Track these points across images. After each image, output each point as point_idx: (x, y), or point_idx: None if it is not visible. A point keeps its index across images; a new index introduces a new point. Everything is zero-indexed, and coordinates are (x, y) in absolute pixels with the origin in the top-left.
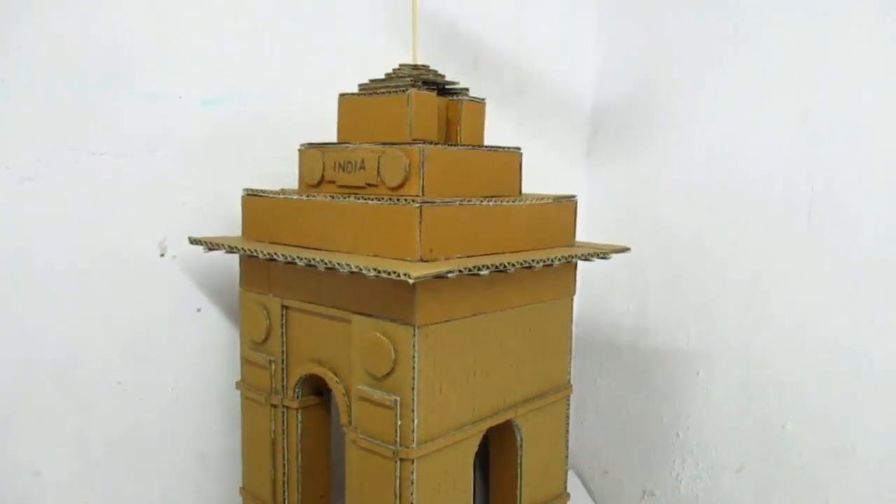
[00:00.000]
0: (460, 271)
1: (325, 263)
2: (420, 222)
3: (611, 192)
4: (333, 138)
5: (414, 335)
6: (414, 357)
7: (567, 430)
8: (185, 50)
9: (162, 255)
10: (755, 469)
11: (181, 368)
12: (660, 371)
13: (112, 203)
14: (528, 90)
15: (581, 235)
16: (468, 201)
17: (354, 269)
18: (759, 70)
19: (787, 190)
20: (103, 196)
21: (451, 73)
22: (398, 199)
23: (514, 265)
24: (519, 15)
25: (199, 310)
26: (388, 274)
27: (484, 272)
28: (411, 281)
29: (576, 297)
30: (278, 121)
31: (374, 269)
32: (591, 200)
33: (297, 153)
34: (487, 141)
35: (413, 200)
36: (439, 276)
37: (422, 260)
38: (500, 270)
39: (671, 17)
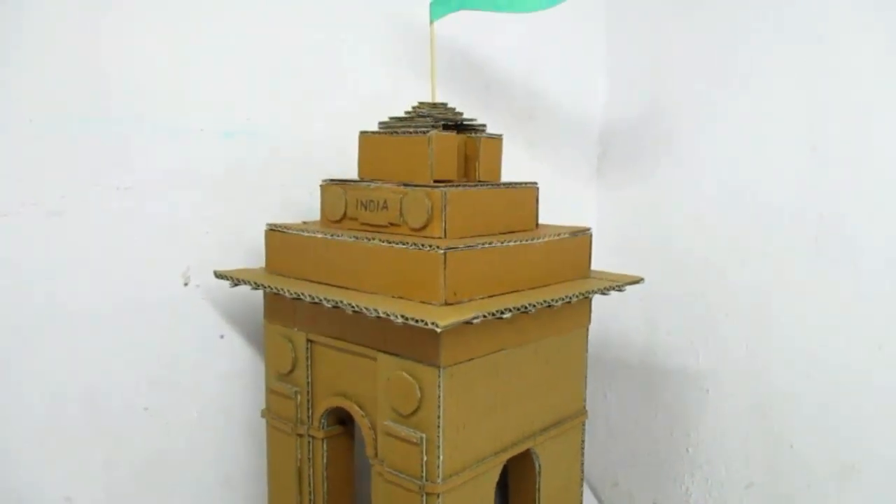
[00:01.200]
0: (485, 316)
1: (352, 307)
2: (444, 268)
3: (620, 211)
4: (351, 168)
5: (439, 376)
6: (439, 396)
7: (582, 453)
8: (205, 84)
9: (185, 285)
10: (763, 486)
11: (205, 394)
12: (669, 387)
13: (137, 235)
14: (538, 114)
15: (595, 251)
16: (489, 244)
17: (382, 315)
18: (769, 100)
19: (795, 215)
20: (128, 229)
21: (464, 98)
22: (422, 245)
23: (534, 306)
24: (529, 42)
25: (221, 336)
26: (416, 322)
27: (507, 315)
28: (439, 330)
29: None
30: (298, 151)
31: (402, 316)
32: (600, 220)
33: (316, 181)
34: None
35: (437, 247)
36: (466, 323)
37: (446, 303)
38: (522, 311)
39: (679, 46)
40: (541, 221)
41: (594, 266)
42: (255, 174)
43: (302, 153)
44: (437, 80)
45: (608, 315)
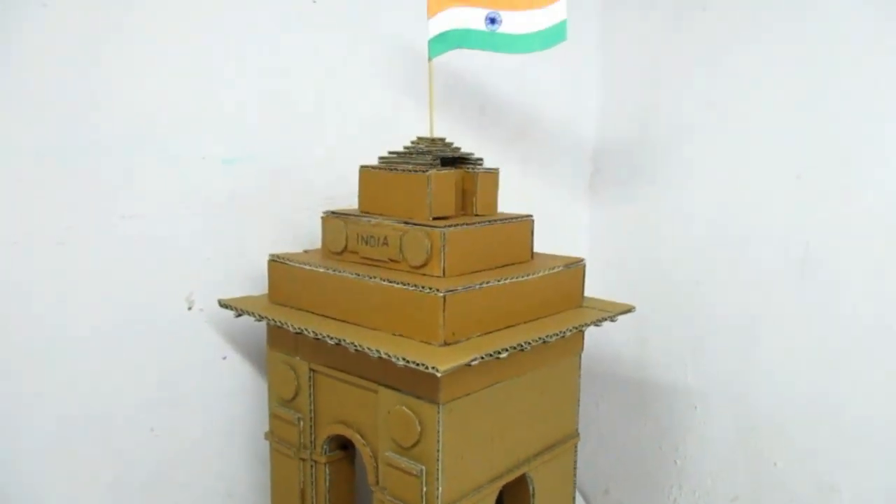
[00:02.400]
0: (482, 357)
1: (355, 346)
2: (444, 310)
3: (613, 229)
4: (350, 192)
5: (439, 412)
6: (438, 431)
7: (575, 473)
8: (206, 112)
9: (189, 309)
10: (748, 501)
11: (209, 413)
12: (659, 402)
13: (141, 262)
14: (532, 133)
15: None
16: (487, 283)
17: (384, 356)
18: (756, 128)
19: (781, 242)
20: (133, 255)
21: (460, 119)
22: (422, 287)
23: (530, 343)
24: (524, 64)
25: (224, 358)
26: (417, 365)
27: (504, 355)
28: (439, 374)
29: None
30: (298, 177)
31: (403, 359)
32: (593, 237)
33: (316, 206)
34: None
35: (436, 289)
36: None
37: (445, 343)
38: (519, 349)
39: (670, 72)
40: (536, 240)
41: (589, 281)
42: (257, 200)
43: (302, 178)
44: (435, 100)
45: (601, 330)
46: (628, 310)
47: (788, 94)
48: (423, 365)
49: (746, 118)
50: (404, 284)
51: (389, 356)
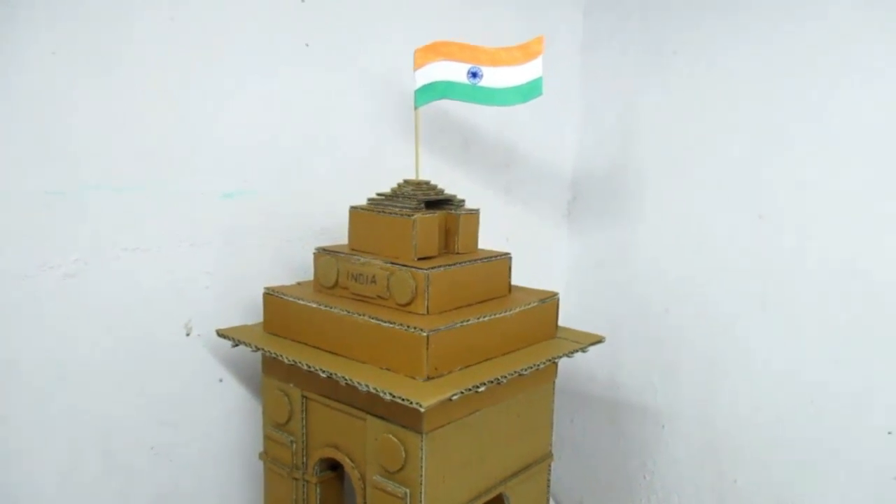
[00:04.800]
0: (462, 392)
1: (345, 380)
2: (427, 348)
3: (589, 253)
4: (339, 225)
5: (422, 440)
6: (421, 458)
7: (549, 492)
8: (205, 151)
9: (188, 335)
10: None
11: (206, 432)
12: (630, 420)
13: (143, 291)
14: (513, 165)
15: (564, 289)
16: (467, 321)
17: (372, 391)
18: (723, 169)
19: (744, 276)
20: (136, 285)
21: (446, 152)
22: (407, 327)
23: (506, 377)
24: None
25: (220, 380)
26: (402, 400)
27: (482, 389)
28: (422, 410)
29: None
30: (290, 210)
31: (390, 394)
32: (570, 260)
33: (308, 238)
34: (476, 204)
35: (420, 329)
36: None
37: (429, 377)
38: (496, 383)
39: (644, 113)
40: (518, 266)
41: (567, 305)
42: (252, 232)
43: (295, 212)
44: (422, 136)
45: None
46: (598, 341)
47: (752, 141)
48: (407, 401)
49: (713, 160)
50: (391, 323)
51: (377, 391)
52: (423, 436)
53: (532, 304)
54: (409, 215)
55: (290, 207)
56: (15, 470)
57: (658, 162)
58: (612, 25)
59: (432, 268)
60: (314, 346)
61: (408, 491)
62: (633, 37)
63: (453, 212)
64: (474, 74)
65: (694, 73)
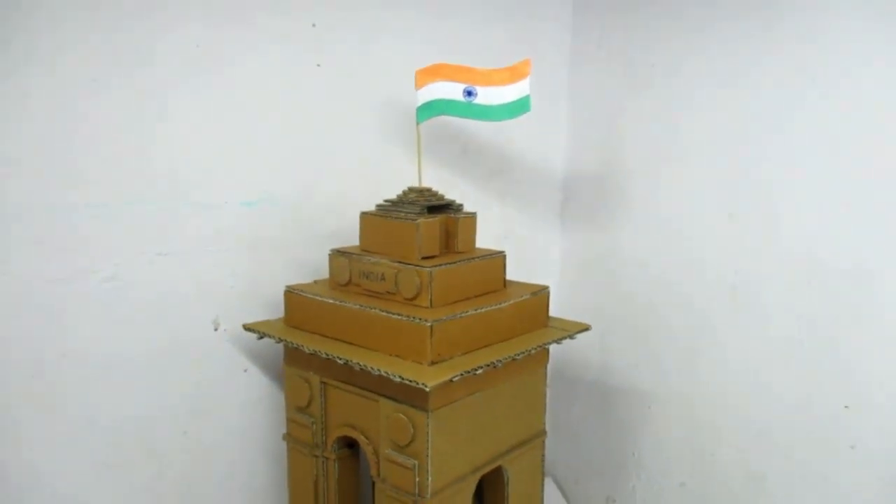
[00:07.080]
0: (462, 374)
1: (360, 365)
2: (431, 337)
3: (580, 249)
4: (350, 228)
5: (428, 417)
6: (428, 433)
7: (543, 465)
8: (228, 165)
9: (216, 330)
10: (693, 486)
11: (233, 418)
12: (620, 403)
13: (175, 291)
14: (508, 169)
15: (557, 283)
16: (466, 313)
17: (384, 375)
18: (699, 172)
19: (717, 271)
20: (168, 286)
21: (445, 159)
22: (413, 318)
23: (501, 361)
24: None
25: (245, 371)
26: (410, 381)
27: (480, 371)
28: (427, 389)
29: None
30: (307, 216)
31: (399, 376)
32: (563, 257)
33: (323, 241)
34: (474, 207)
35: (425, 319)
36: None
37: (432, 363)
38: (493, 367)
39: (628, 120)
40: (515, 263)
41: (560, 298)
42: (272, 237)
43: (309, 217)
44: (423, 145)
45: (573, 344)
46: (585, 328)
47: (724, 147)
48: (414, 382)
49: (689, 164)
50: (399, 315)
51: (388, 374)
52: (429, 413)
53: (525, 297)
54: (413, 220)
55: (304, 214)
56: (61, 457)
57: (641, 167)
58: (597, 40)
59: (435, 266)
60: (331, 337)
61: (416, 462)
62: (617, 51)
63: (453, 215)
64: (469, 93)
65: (670, 85)
